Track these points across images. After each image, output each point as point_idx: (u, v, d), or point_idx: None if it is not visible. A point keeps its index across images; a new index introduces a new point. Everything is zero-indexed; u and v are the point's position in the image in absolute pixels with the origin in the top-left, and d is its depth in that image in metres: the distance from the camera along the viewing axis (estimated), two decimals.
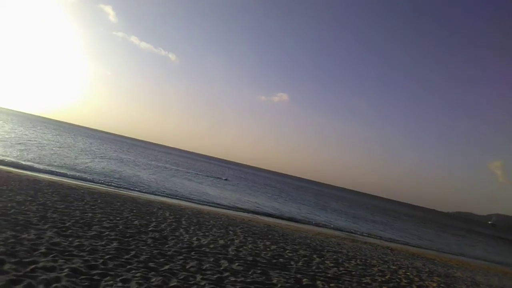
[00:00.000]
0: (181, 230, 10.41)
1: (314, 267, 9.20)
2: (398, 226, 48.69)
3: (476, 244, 52.73)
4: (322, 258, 10.65)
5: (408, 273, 11.43)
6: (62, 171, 22.11)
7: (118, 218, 10.17)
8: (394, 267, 12.07)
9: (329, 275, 8.74)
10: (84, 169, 26.30)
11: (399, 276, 10.53)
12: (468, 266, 21.07)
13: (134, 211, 12.05)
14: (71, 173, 22.23)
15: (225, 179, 58.68)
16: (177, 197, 22.64)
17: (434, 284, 10.43)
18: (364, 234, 28.94)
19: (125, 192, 18.64)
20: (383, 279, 9.58)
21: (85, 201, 11.95)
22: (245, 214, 21.73)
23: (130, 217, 10.72)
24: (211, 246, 9.13)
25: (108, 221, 9.54)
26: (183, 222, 11.82)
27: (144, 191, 22.07)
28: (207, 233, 10.65)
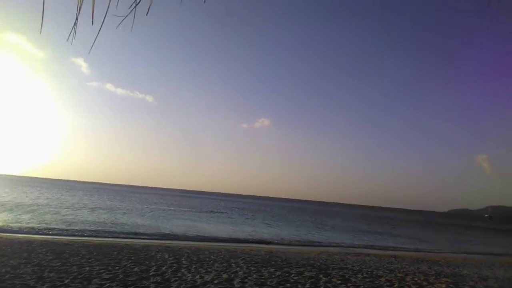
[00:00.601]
0: (183, 270, 10.22)
1: (322, 287, 9.10)
2: (396, 232, 48.62)
3: (476, 239, 52.88)
4: (329, 277, 10.55)
5: (416, 279, 11.38)
6: (53, 228, 21.63)
7: (117, 268, 9.94)
8: (401, 275, 12.01)
9: None
10: (75, 223, 25.78)
11: (407, 283, 10.47)
12: (473, 262, 21.06)
13: (132, 258, 11.81)
14: (63, 229, 21.76)
15: (219, 212, 58.29)
16: (174, 238, 22.29)
17: (443, 286, 10.39)
18: (366, 247, 28.79)
19: (120, 240, 18.28)
20: None
21: (81, 255, 11.67)
22: (244, 245, 21.47)
23: (129, 265, 10.49)
24: (216, 281, 8.97)
25: (107, 272, 9.32)
26: (184, 261, 11.62)
27: (140, 236, 21.70)
28: (209, 269, 10.48)
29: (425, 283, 10.73)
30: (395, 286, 9.94)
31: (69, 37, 2.27)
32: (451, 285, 10.57)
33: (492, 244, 45.13)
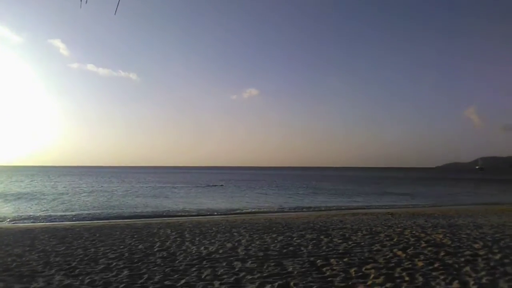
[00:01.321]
0: (187, 243, 10.38)
1: (324, 247, 9.32)
2: (390, 190, 49.55)
3: (469, 190, 54.11)
4: (330, 237, 10.80)
5: (414, 232, 11.69)
6: (52, 215, 21.68)
7: (121, 247, 10.06)
8: (399, 230, 12.32)
9: (340, 251, 8.87)
10: (74, 207, 25.86)
11: (406, 236, 10.76)
12: (468, 212, 21.62)
13: (136, 236, 11.93)
14: (62, 215, 21.82)
15: (221, 185, 58.90)
16: (174, 215, 22.48)
17: (441, 236, 10.70)
18: (362, 207, 29.33)
19: (121, 221, 18.41)
20: (392, 242, 9.78)
21: (84, 238, 11.77)
22: (244, 215, 21.76)
23: (133, 243, 10.62)
24: (220, 251, 9.14)
25: (113, 251, 9.43)
26: (187, 235, 11.78)
27: (140, 215, 21.86)
28: (213, 240, 10.65)
29: (423, 235, 11.03)
30: (394, 240, 10.21)
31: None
32: (448, 235, 10.89)
33: (484, 193, 46.27)
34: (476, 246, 9.09)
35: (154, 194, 39.82)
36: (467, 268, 7.02)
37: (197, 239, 10.99)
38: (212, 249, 9.44)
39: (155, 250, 9.53)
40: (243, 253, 8.88)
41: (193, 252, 9.15)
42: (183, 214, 22.64)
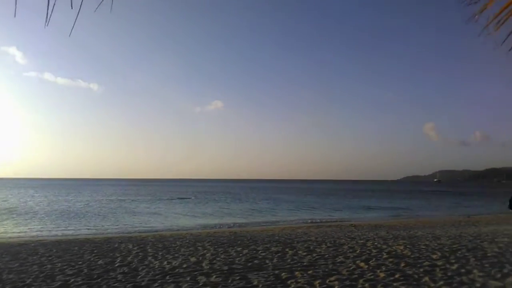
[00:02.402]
0: (149, 258, 10.11)
1: (289, 260, 9.33)
2: (352, 204, 50.50)
3: (427, 202, 56.06)
4: (295, 250, 10.83)
5: (376, 243, 11.93)
6: (6, 230, 20.59)
7: (80, 263, 9.66)
8: (361, 241, 12.54)
9: (305, 263, 8.91)
10: (27, 222, 24.68)
11: (368, 248, 10.96)
12: (427, 224, 22.39)
13: (95, 251, 11.51)
14: (16, 230, 20.77)
15: (190, 198, 58.31)
16: (137, 229, 21.91)
17: (401, 247, 10.98)
18: (326, 219, 29.72)
19: (80, 235, 17.74)
20: (355, 254, 9.94)
21: (40, 253, 11.22)
22: (209, 229, 21.52)
23: (92, 259, 10.22)
24: (184, 266, 8.95)
25: (70, 267, 9.04)
26: (149, 250, 11.48)
27: (98, 229, 21.14)
28: (176, 255, 10.43)
29: (384, 246, 11.28)
30: (357, 251, 10.37)
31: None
32: (408, 246, 11.19)
33: (441, 205, 48.07)
34: (434, 256, 9.37)
35: (117, 207, 38.71)
36: (426, 278, 7.22)
37: (160, 253, 10.72)
38: (175, 263, 9.23)
39: (116, 265, 9.22)
40: (208, 267, 8.74)
41: (156, 267, 8.92)
42: (145, 228, 22.10)
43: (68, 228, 22.05)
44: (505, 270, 7.66)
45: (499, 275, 7.28)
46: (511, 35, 2.18)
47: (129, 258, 10.10)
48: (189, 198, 57.46)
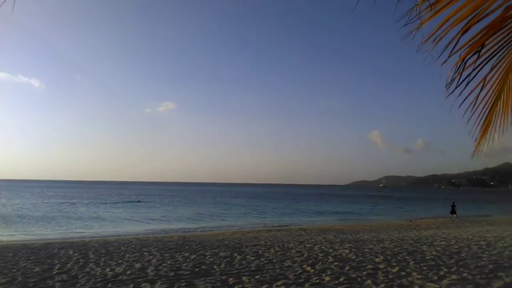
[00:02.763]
0: (91, 264, 9.64)
1: (237, 265, 9.26)
2: (302, 208, 51.43)
3: (373, 206, 58.23)
4: (243, 254, 10.78)
5: (323, 247, 12.16)
6: None
7: (14, 270, 9.02)
8: (309, 245, 12.73)
9: (252, 268, 8.88)
10: None
11: (315, 252, 11.14)
12: (372, 227, 23.18)
13: (32, 257, 10.81)
14: None
15: (138, 201, 56.65)
16: (78, 233, 20.92)
17: (347, 251, 11.26)
18: (276, 223, 29.97)
19: (16, 241, 16.64)
20: (302, 258, 10.05)
21: None
22: (157, 234, 20.99)
23: (28, 266, 9.59)
24: (128, 272, 8.61)
25: (3, 276, 8.41)
26: (91, 256, 10.95)
27: (36, 235, 19.96)
28: (120, 261, 10.02)
29: (331, 250, 11.51)
30: (304, 255, 10.50)
31: None
32: (353, 250, 11.50)
33: (386, 209, 50.12)
34: (377, 260, 9.68)
35: (58, 210, 36.83)
36: (369, 281, 7.42)
37: (103, 260, 10.26)
38: (119, 270, 8.86)
39: (54, 273, 8.69)
40: (153, 273, 8.47)
41: (97, 274, 8.51)
42: (88, 233, 21.16)
43: (1, 234, 20.62)
44: (441, 273, 8.04)
45: (435, 278, 7.63)
46: (445, 51, 2.28)
47: (68, 265, 9.58)
48: (137, 202, 55.90)
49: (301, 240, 14.70)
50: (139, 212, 38.08)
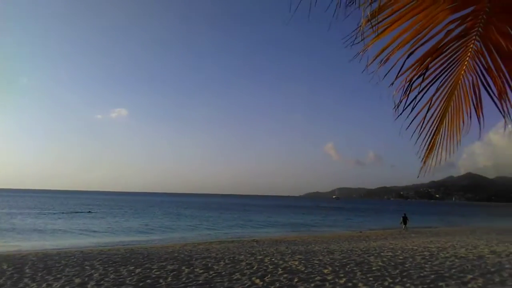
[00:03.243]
0: (26, 280, 8.97)
1: (184, 279, 8.97)
2: (254, 218, 51.42)
3: (325, 217, 59.30)
4: (192, 267, 10.47)
5: (273, 259, 12.09)
6: None
7: None
8: (260, 257, 12.62)
9: (200, 282, 8.62)
10: None
11: (265, 264, 11.04)
12: (323, 239, 23.49)
13: None
14: None
15: (89, 212, 54.31)
16: (14, 247, 19.59)
17: (296, 262, 11.25)
18: (229, 234, 29.72)
19: None
20: (252, 271, 9.91)
21: None
22: (102, 247, 20.07)
23: None
24: None
25: None
26: (27, 270, 10.21)
27: None
28: (58, 275, 9.40)
29: (281, 262, 11.46)
30: (254, 268, 10.37)
31: None
32: (303, 261, 11.51)
33: (338, 220, 51.18)
34: (325, 271, 9.74)
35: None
36: None
37: (40, 274, 9.58)
38: (56, 285, 8.30)
39: None
40: None
41: None
42: (26, 245, 19.88)
43: None
44: (386, 283, 8.20)
45: None
46: (392, 73, 2.32)
47: (0, 281, 8.86)
48: (88, 212, 53.53)
49: (253, 252, 14.57)
50: (86, 224, 36.39)
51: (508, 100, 2.29)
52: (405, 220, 34.35)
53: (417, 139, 2.67)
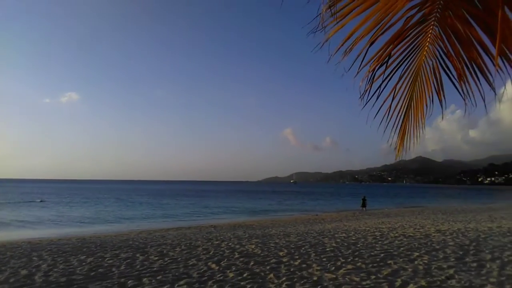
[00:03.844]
0: None
1: (138, 266, 8.78)
2: (210, 204, 51.37)
3: (282, 201, 60.30)
4: (146, 255, 10.28)
5: (230, 243, 12.12)
6: None
7: None
8: (217, 242, 12.61)
9: (155, 269, 8.48)
10: None
11: (222, 249, 11.05)
12: (280, 222, 23.86)
13: None
14: None
15: (40, 201, 51.80)
16: None
17: (253, 246, 11.35)
18: (186, 221, 29.53)
19: None
20: (208, 256, 9.88)
21: None
22: (53, 237, 19.30)
23: None
24: (11, 280, 7.69)
25: None
26: None
27: None
28: (3, 268, 8.92)
29: (238, 246, 11.51)
30: (211, 253, 10.35)
31: None
32: (260, 245, 11.62)
33: (295, 204, 52.18)
34: (281, 253, 9.88)
35: None
36: (271, 275, 7.50)
37: None
38: (0, 278, 7.88)
39: None
40: (41, 280, 7.66)
41: None
42: None
43: None
44: (339, 263, 8.44)
45: (333, 268, 7.97)
46: (356, 63, 2.32)
47: None
48: (40, 202, 51.24)
49: (210, 237, 14.53)
50: (34, 212, 34.84)
51: (468, 83, 2.34)
52: (364, 203, 36.05)
53: (385, 129, 2.70)
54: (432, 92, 2.60)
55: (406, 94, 2.65)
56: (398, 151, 2.81)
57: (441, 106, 2.62)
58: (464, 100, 2.38)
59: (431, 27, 2.33)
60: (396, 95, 2.61)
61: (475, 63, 2.23)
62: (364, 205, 36.17)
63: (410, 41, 2.39)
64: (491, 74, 2.18)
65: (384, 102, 2.59)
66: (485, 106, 2.27)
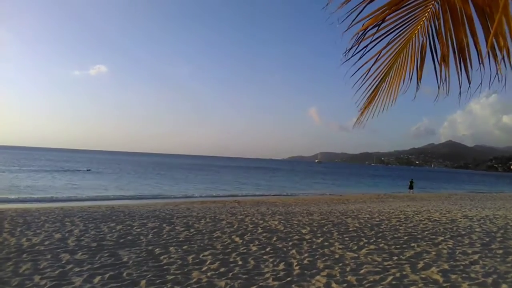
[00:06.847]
0: (5, 234, 8.96)
1: (165, 236, 9.10)
2: (239, 180, 51.97)
3: (308, 180, 60.32)
4: (172, 225, 10.62)
5: (254, 219, 12.33)
6: None
7: None
8: (241, 217, 12.85)
9: (181, 239, 8.77)
10: None
11: (245, 223, 11.26)
12: (303, 201, 23.96)
13: None
14: None
15: (88, 170, 54.27)
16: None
17: (276, 222, 11.51)
18: (209, 196, 30.04)
19: None
20: (232, 229, 10.11)
21: None
22: (83, 203, 20.10)
23: None
24: (46, 243, 8.13)
25: None
26: (6, 225, 10.18)
27: None
28: (38, 231, 9.42)
29: (261, 221, 11.71)
30: (235, 227, 10.58)
31: None
32: (282, 221, 11.78)
33: (321, 184, 52.16)
34: (303, 231, 10.00)
35: None
36: (293, 251, 7.64)
37: (19, 229, 9.58)
38: (36, 240, 8.33)
39: None
40: (74, 244, 8.07)
41: (12, 244, 7.94)
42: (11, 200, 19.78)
43: None
44: (361, 243, 8.49)
45: (355, 247, 8.03)
46: (349, 18, 2.25)
47: None
48: (88, 171, 53.54)
49: (234, 212, 14.80)
50: (73, 180, 36.29)
51: (448, 67, 2.29)
52: (411, 185, 36.54)
53: (358, 90, 2.67)
54: (413, 69, 2.55)
55: (388, 62, 2.59)
56: (362, 114, 2.78)
57: (416, 87, 2.57)
58: (439, 83, 2.33)
59: (432, 3, 2.28)
60: (378, 59, 2.54)
61: (461, 46, 2.17)
62: (411, 187, 36.62)
63: (408, 11, 2.34)
64: (479, 61, 2.08)
65: (365, 63, 2.51)
66: (459, 94, 2.22)
